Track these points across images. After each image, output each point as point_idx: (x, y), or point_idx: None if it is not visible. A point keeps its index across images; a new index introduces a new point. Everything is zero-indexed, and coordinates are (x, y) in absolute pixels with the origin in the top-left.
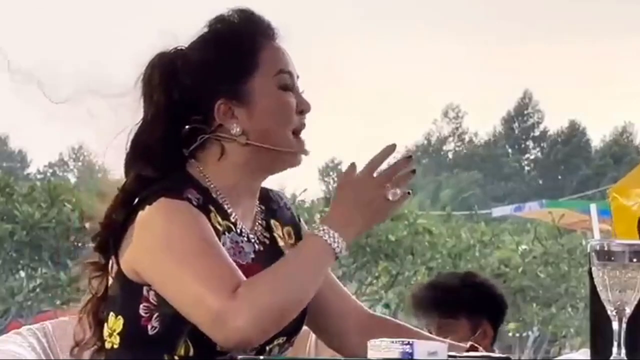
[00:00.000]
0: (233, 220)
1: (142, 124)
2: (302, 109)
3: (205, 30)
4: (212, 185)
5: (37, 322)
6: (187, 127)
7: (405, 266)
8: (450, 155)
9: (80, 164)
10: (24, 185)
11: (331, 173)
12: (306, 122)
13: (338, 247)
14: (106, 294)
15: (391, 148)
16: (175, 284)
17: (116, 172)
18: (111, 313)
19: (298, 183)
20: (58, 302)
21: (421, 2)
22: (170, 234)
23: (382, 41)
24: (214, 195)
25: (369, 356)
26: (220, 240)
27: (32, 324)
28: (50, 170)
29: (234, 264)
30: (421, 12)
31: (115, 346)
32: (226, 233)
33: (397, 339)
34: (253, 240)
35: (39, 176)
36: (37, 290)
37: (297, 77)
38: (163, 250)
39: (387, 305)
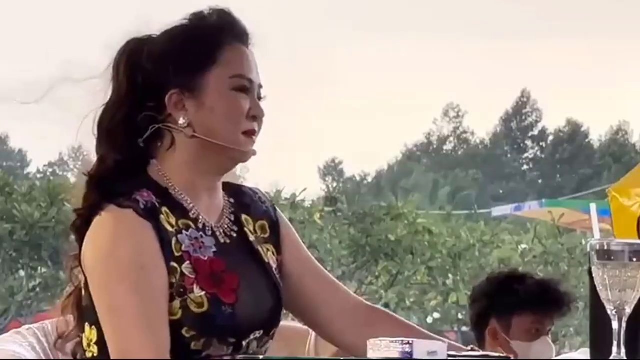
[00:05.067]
0: (193, 216)
1: (106, 108)
2: (255, 114)
3: (182, 22)
4: (170, 184)
5: (37, 321)
6: (142, 114)
7: (405, 266)
8: (450, 154)
9: (80, 163)
10: (23, 185)
11: (332, 173)
12: (260, 128)
13: None
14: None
15: None
16: (102, 309)
17: None
18: (86, 323)
19: (298, 183)
20: (58, 302)
21: (421, 1)
22: (109, 254)
23: (382, 41)
24: (173, 194)
25: (368, 355)
26: (172, 242)
27: (32, 323)
28: (50, 170)
29: (165, 312)
30: (422, 12)
31: (95, 355)
32: (183, 232)
33: (397, 339)
34: (218, 234)
35: (38, 175)
36: (37, 289)
37: (260, 86)
38: (100, 270)
39: (386, 305)
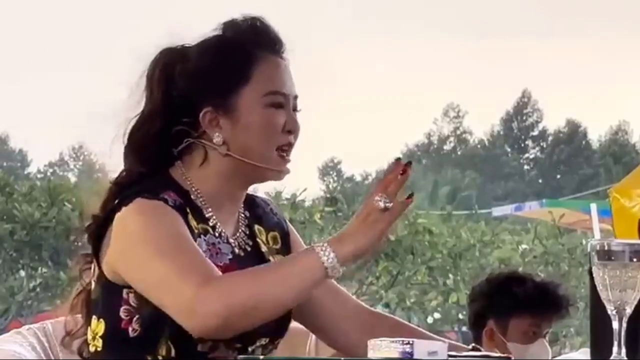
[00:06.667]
0: (211, 223)
1: (139, 119)
2: (290, 128)
3: (215, 32)
4: (193, 189)
5: (37, 321)
6: (176, 128)
7: (405, 266)
8: (450, 154)
9: (80, 163)
10: (24, 185)
11: (331, 172)
12: (294, 141)
13: (331, 263)
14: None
15: (398, 162)
16: (149, 275)
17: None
18: (94, 316)
19: (298, 183)
20: (58, 302)
21: (422, 1)
22: (145, 228)
23: (383, 41)
24: (194, 198)
25: (369, 356)
26: (195, 242)
27: (32, 323)
28: (51, 170)
29: (208, 260)
30: (422, 12)
31: (99, 349)
32: (202, 236)
33: (397, 339)
34: (233, 245)
35: (39, 175)
36: (37, 289)
37: (295, 97)
38: (138, 244)
39: (387, 305)
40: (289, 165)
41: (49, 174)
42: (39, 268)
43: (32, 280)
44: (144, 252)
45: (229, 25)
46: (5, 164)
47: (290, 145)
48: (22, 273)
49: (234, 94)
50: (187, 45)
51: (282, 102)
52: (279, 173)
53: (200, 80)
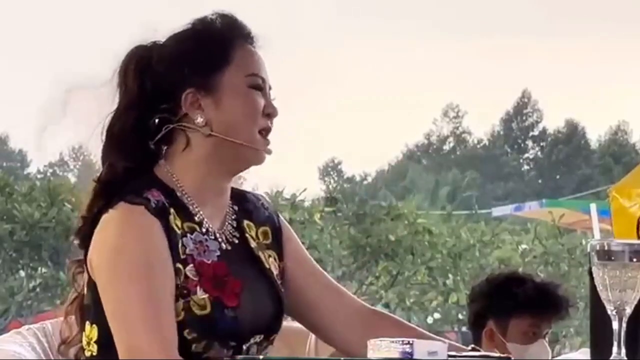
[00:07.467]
0: (198, 219)
1: (115, 114)
2: (269, 112)
3: (187, 26)
4: (178, 185)
5: (37, 321)
6: (155, 117)
7: (405, 266)
8: (450, 154)
9: (80, 163)
10: (23, 185)
11: (331, 173)
12: (273, 126)
13: None
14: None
15: None
16: (109, 297)
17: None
18: (87, 322)
19: (298, 183)
20: (58, 302)
21: (422, 1)
22: (119, 250)
23: (382, 41)
24: (179, 195)
25: (368, 356)
26: (178, 244)
27: (32, 323)
28: (50, 170)
29: (172, 314)
30: (422, 12)
31: (94, 354)
32: (188, 235)
33: (397, 339)
34: (220, 240)
35: (39, 176)
36: (37, 289)
37: (270, 87)
38: (109, 266)
39: (387, 305)
40: (269, 148)
41: (48, 174)
42: (39, 268)
43: (31, 281)
44: (110, 279)
45: (202, 20)
46: (5, 164)
47: (268, 131)
48: (22, 273)
49: (216, 73)
50: (158, 40)
51: (262, 86)
52: (261, 153)
53: (180, 63)
